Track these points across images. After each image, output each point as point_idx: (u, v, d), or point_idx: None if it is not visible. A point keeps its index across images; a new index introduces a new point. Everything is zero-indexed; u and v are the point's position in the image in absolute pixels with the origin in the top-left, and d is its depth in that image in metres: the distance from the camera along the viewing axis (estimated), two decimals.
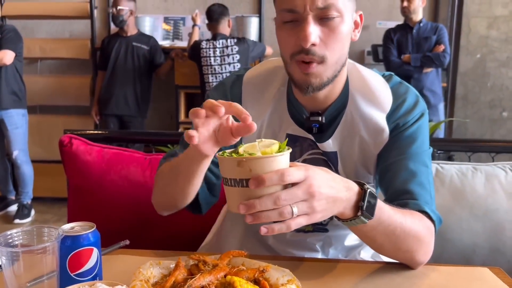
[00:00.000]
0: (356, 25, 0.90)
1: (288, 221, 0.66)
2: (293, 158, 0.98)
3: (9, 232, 0.69)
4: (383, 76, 0.97)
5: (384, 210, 0.78)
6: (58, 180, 3.19)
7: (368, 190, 0.74)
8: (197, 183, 0.87)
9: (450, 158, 2.21)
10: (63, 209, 3.54)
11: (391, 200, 0.90)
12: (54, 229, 0.71)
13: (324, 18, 0.82)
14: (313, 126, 0.94)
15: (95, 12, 4.10)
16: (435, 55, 3.34)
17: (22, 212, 3.56)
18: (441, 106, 3.58)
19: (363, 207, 0.73)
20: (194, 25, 3.65)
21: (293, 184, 0.67)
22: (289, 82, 0.97)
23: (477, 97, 4.11)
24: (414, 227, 0.84)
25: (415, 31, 3.43)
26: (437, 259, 1.29)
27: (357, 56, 4.24)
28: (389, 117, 0.93)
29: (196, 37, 3.57)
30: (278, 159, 0.67)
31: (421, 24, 3.43)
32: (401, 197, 0.90)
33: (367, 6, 4.16)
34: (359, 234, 0.83)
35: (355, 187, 0.74)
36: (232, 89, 0.99)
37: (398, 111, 0.93)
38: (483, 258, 1.28)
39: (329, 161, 0.97)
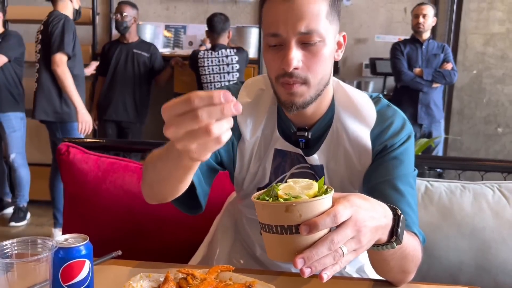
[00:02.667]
0: (339, 45, 0.94)
1: (339, 261, 0.65)
2: (282, 171, 1.01)
3: (4, 243, 0.72)
4: (371, 97, 1.00)
5: (406, 235, 0.80)
6: None
7: (402, 216, 0.76)
8: (189, 180, 0.81)
9: (440, 175, 2.25)
10: None
11: None
12: (48, 241, 0.73)
13: (306, 43, 0.86)
14: (299, 141, 0.98)
15: (97, 18, 4.15)
16: (446, 72, 3.43)
17: (18, 215, 3.57)
18: (442, 121, 3.65)
19: (397, 233, 0.74)
20: (201, 45, 3.70)
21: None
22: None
23: (473, 113, 4.15)
24: (416, 251, 0.88)
25: (424, 47, 3.49)
26: (424, 276, 1.32)
27: (355, 69, 4.29)
28: (376, 138, 0.96)
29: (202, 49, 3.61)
30: (326, 201, 0.64)
31: (429, 41, 3.50)
32: None
33: (365, 20, 4.22)
34: (378, 258, 0.83)
35: (390, 214, 0.75)
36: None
37: (385, 133, 0.96)
38: (469, 276, 1.30)
39: (316, 175, 1.00)
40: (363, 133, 0.96)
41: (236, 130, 1.01)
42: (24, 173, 3.52)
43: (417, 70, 3.45)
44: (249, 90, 1.03)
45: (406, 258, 0.85)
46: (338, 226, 0.65)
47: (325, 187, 0.66)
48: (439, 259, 1.31)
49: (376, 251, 0.77)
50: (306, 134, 0.97)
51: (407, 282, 0.93)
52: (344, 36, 0.95)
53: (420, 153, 2.90)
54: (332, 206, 0.65)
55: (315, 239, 0.63)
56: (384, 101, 1.00)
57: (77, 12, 3.17)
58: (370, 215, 0.68)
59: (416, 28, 3.48)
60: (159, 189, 0.86)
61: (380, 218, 0.71)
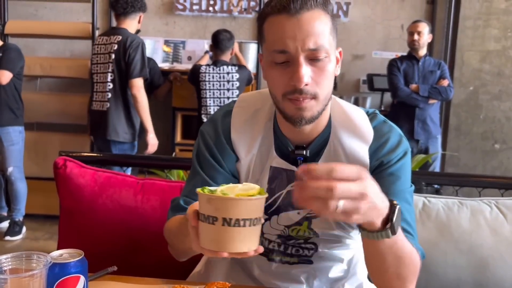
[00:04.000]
0: (337, 60, 0.95)
1: (328, 213, 0.67)
2: (278, 189, 1.01)
3: None
4: (367, 113, 1.01)
5: (401, 232, 0.81)
6: (51, 197, 3.17)
7: (398, 207, 0.77)
8: None
9: (437, 191, 2.25)
10: (54, 227, 3.53)
11: None
12: (43, 256, 0.73)
13: (314, 59, 0.87)
14: (298, 159, 0.98)
15: (97, 33, 4.17)
16: (442, 88, 3.45)
17: (14, 229, 3.54)
18: (439, 137, 3.66)
19: (392, 220, 0.76)
20: (206, 52, 3.73)
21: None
22: (275, 117, 1.01)
23: (470, 129, 4.17)
24: (413, 257, 0.88)
25: (421, 64, 3.53)
26: None
27: (353, 84, 4.32)
28: (372, 154, 0.96)
29: (204, 62, 3.62)
30: (243, 203, 0.69)
31: (426, 58, 3.54)
32: None
33: (363, 36, 4.26)
34: (374, 251, 0.84)
35: (387, 201, 0.76)
36: (222, 124, 1.03)
37: (381, 150, 0.96)
38: None
39: None
40: (360, 149, 0.96)
41: (230, 145, 1.01)
42: (21, 187, 3.51)
43: (413, 86, 3.48)
44: (244, 107, 1.04)
45: (402, 259, 0.84)
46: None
47: (260, 194, 0.72)
48: (437, 275, 1.31)
49: (371, 240, 0.78)
50: (304, 152, 0.97)
51: None
52: (340, 52, 0.96)
53: (417, 169, 2.91)
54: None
55: (228, 234, 0.69)
56: (380, 117, 1.01)
57: (136, 32, 3.27)
58: (377, 191, 0.72)
59: (412, 45, 3.52)
60: (187, 253, 1.01)
61: (380, 199, 0.73)
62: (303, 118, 0.90)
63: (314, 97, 0.89)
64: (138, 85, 3.06)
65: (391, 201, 0.77)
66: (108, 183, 1.43)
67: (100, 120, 3.18)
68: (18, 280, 0.69)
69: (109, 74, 3.14)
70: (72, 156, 1.55)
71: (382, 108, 4.17)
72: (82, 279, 0.75)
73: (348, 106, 1.01)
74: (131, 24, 3.20)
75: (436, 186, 2.11)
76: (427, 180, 1.57)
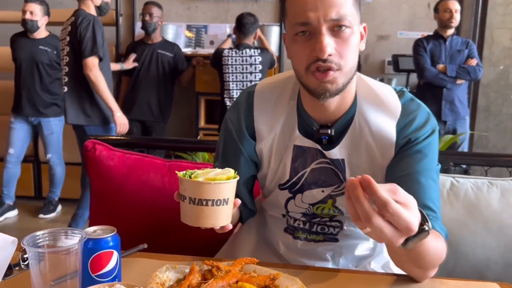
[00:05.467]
0: (361, 36, 0.93)
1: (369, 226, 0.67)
2: (302, 167, 1.01)
3: (36, 234, 0.74)
4: (395, 90, 0.99)
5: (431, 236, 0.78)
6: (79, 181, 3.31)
7: (427, 220, 0.74)
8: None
9: (466, 172, 2.20)
10: None
11: None
12: (78, 232, 0.76)
13: (337, 29, 0.86)
14: (322, 138, 0.98)
15: (120, 19, 4.22)
16: (470, 67, 3.36)
17: (48, 208, 3.75)
18: (467, 118, 3.58)
19: (427, 227, 0.73)
20: (229, 35, 3.72)
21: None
22: (299, 96, 1.00)
23: (500, 109, 4.06)
24: (439, 248, 0.87)
25: (448, 43, 3.43)
26: (450, 272, 1.30)
27: (378, 66, 4.24)
28: (400, 132, 0.95)
29: (226, 46, 3.60)
30: (205, 185, 0.78)
31: (453, 37, 3.44)
32: None
33: (388, 16, 4.17)
34: (398, 252, 0.83)
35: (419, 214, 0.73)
36: (244, 107, 1.04)
37: (409, 127, 0.95)
38: (497, 273, 1.28)
39: (336, 169, 1.00)
40: (388, 125, 0.95)
41: (250, 129, 1.03)
42: (59, 171, 3.70)
43: (440, 66, 3.39)
44: (267, 87, 1.04)
45: (426, 255, 0.83)
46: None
47: (221, 180, 0.80)
48: (465, 255, 1.29)
49: (411, 246, 0.75)
50: (329, 131, 0.96)
51: (429, 277, 0.92)
52: (364, 27, 0.94)
53: (445, 150, 2.85)
54: None
55: (193, 211, 0.79)
56: (408, 94, 0.99)
57: (99, 9, 3.07)
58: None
59: (448, 22, 3.39)
60: None
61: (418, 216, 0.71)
62: (327, 90, 0.89)
63: (339, 68, 0.87)
64: (90, 65, 2.87)
65: (420, 212, 0.74)
66: (136, 165, 1.46)
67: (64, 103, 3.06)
68: (55, 255, 0.72)
69: (65, 58, 3.01)
70: (101, 139, 1.59)
71: (408, 90, 4.09)
72: (115, 254, 0.77)
73: (374, 82, 0.99)
74: (89, 4, 3.00)
75: (464, 166, 2.06)
76: (455, 160, 1.55)
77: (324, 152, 0.99)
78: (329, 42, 0.85)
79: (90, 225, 1.49)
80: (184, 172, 0.82)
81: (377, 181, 0.99)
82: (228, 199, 0.80)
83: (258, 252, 1.12)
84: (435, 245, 0.85)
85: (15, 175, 3.58)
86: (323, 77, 0.87)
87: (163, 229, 1.41)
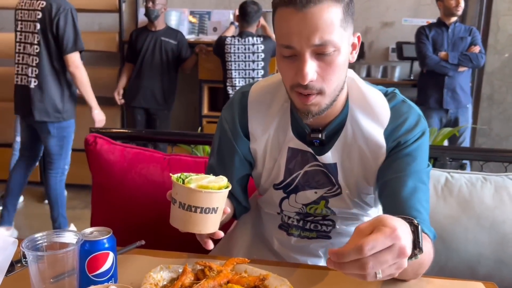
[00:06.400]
0: (353, 46, 0.93)
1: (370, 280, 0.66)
2: (295, 169, 1.04)
3: (35, 236, 0.77)
4: (386, 93, 1.00)
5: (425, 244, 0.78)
6: (85, 168, 3.34)
7: (419, 226, 0.73)
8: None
9: (461, 166, 2.21)
10: (89, 197, 3.68)
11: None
12: (75, 233, 0.79)
13: (320, 53, 0.85)
14: (314, 142, 0.99)
15: (123, 6, 4.20)
16: (473, 55, 3.34)
17: None
18: (470, 106, 3.57)
19: (420, 245, 0.72)
20: (232, 23, 3.70)
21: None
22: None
23: (504, 97, 4.03)
24: (430, 254, 0.87)
25: (450, 30, 3.41)
26: (442, 268, 1.33)
27: (382, 53, 4.21)
28: (389, 135, 0.97)
29: (229, 34, 3.58)
30: (195, 193, 0.79)
31: (456, 25, 3.41)
32: (399, 214, 0.93)
33: (393, 3, 4.12)
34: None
35: (409, 229, 0.71)
36: (238, 108, 1.06)
37: (399, 130, 0.96)
38: (488, 269, 1.30)
39: (328, 173, 1.02)
40: (376, 132, 0.97)
41: (244, 129, 1.05)
42: None
43: (442, 53, 3.37)
44: (262, 87, 1.05)
45: (421, 265, 0.85)
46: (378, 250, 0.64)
47: (214, 189, 0.81)
48: (457, 251, 1.32)
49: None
50: (320, 135, 0.98)
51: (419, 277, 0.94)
52: (358, 37, 0.94)
53: (444, 142, 2.86)
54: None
55: (182, 216, 0.81)
56: (399, 96, 1.00)
57: None
58: (408, 236, 0.67)
59: (455, 11, 3.35)
60: None
61: (410, 234, 0.70)
62: (309, 112, 0.90)
63: (320, 92, 0.88)
64: (75, 61, 2.70)
65: (410, 221, 0.73)
66: (136, 159, 1.49)
67: (27, 97, 2.78)
68: (53, 257, 0.75)
69: (35, 47, 2.73)
70: (101, 132, 1.62)
71: (412, 77, 4.07)
72: (111, 255, 0.80)
73: (366, 88, 1.00)
74: None
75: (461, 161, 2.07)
76: (451, 155, 1.56)
77: (317, 156, 1.01)
78: (310, 69, 0.84)
79: (91, 218, 1.54)
80: (179, 175, 0.83)
81: (371, 184, 1.01)
82: (217, 208, 0.82)
83: (253, 248, 1.15)
84: (425, 249, 0.86)
85: None
86: (305, 100, 0.89)
87: (162, 223, 1.44)
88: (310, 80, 0.86)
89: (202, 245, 0.90)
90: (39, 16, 2.70)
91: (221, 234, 0.89)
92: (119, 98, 3.86)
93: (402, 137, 0.96)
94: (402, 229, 0.66)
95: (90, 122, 3.93)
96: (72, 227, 3.23)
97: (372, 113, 0.97)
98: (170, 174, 0.84)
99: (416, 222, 0.73)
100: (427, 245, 0.85)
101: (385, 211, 0.98)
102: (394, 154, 0.97)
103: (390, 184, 0.95)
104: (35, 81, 2.76)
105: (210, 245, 0.89)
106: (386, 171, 0.97)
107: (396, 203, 0.94)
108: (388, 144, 0.97)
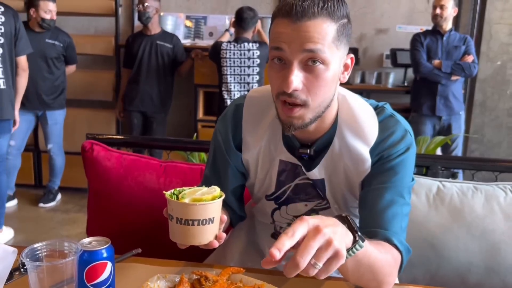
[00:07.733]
0: (346, 67, 0.94)
1: (322, 271, 0.69)
2: (286, 182, 1.05)
3: (35, 246, 0.79)
4: (376, 107, 1.01)
5: (368, 244, 0.81)
6: (79, 171, 3.34)
7: (348, 216, 0.76)
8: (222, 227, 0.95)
9: (453, 175, 2.24)
10: (84, 200, 3.70)
11: (363, 226, 0.95)
12: (74, 244, 0.80)
13: (310, 63, 0.86)
14: (303, 157, 1.01)
15: (120, 10, 4.21)
16: (465, 64, 3.38)
17: (48, 197, 3.83)
18: (462, 113, 3.61)
19: (357, 231, 0.75)
20: (227, 30, 3.72)
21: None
22: None
23: (496, 104, 4.08)
24: (386, 258, 0.87)
25: (445, 38, 3.45)
26: (433, 276, 1.35)
27: (376, 59, 4.25)
28: (374, 149, 0.97)
29: (225, 39, 3.60)
30: (191, 207, 0.81)
31: (451, 33, 3.46)
32: (373, 226, 0.93)
33: (387, 10, 4.17)
34: (351, 264, 0.83)
35: (337, 221, 0.75)
36: (232, 121, 1.08)
37: (384, 143, 0.96)
38: (478, 277, 1.33)
39: (317, 187, 1.04)
40: (362, 150, 0.97)
41: (237, 141, 1.06)
42: (58, 161, 3.76)
43: (436, 62, 3.41)
44: (255, 99, 1.07)
45: (374, 268, 0.84)
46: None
47: (205, 200, 0.83)
48: (448, 259, 1.34)
49: (351, 256, 0.76)
50: (308, 151, 0.99)
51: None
52: (352, 58, 0.95)
53: (436, 150, 2.89)
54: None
55: (180, 230, 0.83)
56: (388, 111, 1.00)
57: None
58: (328, 223, 0.71)
59: (434, 20, 3.43)
60: None
61: (335, 222, 0.73)
62: (292, 125, 0.91)
63: (304, 104, 0.88)
64: (26, 63, 2.90)
65: (339, 216, 0.76)
66: (133, 166, 1.50)
67: None
68: (52, 267, 0.76)
69: None
70: (98, 138, 1.63)
71: (406, 84, 4.11)
72: (109, 264, 0.82)
73: (357, 106, 0.99)
74: None
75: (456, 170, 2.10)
76: (443, 164, 1.59)
77: (306, 172, 1.02)
78: (296, 77, 0.85)
79: (87, 225, 1.55)
80: (172, 191, 0.85)
81: (355, 196, 1.02)
82: (213, 218, 0.84)
83: (246, 255, 1.17)
84: (380, 257, 0.85)
85: (16, 166, 3.62)
86: (289, 112, 0.90)
87: (158, 230, 1.45)
88: (295, 89, 0.86)
89: (208, 247, 0.90)
90: (2, 20, 2.79)
91: (223, 235, 0.90)
92: (119, 113, 3.91)
93: (386, 151, 0.96)
94: (321, 219, 0.71)
95: (85, 126, 3.97)
96: (6, 229, 3.16)
97: (361, 132, 0.97)
98: (164, 192, 0.86)
99: (344, 214, 0.77)
100: (380, 249, 0.85)
101: (360, 221, 0.98)
102: (377, 167, 0.97)
103: (368, 196, 0.96)
104: (3, 83, 2.85)
105: (215, 243, 0.88)
106: (367, 183, 0.98)
107: (370, 214, 0.95)
108: (372, 158, 0.97)
